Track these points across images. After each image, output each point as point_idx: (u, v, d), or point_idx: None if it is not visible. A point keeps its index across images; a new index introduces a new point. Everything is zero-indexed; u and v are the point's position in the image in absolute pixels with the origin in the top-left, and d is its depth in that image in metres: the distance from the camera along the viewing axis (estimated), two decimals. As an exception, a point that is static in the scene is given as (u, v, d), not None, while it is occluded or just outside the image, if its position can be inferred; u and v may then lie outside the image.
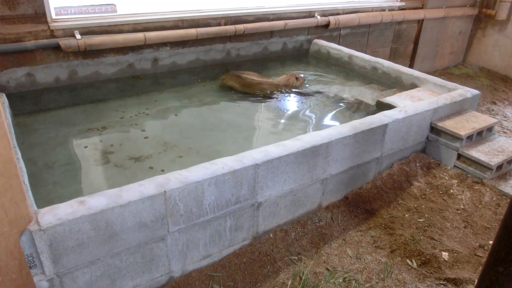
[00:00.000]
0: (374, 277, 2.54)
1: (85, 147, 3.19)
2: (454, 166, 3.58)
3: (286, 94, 4.41)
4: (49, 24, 3.81)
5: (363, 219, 3.05)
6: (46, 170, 2.88)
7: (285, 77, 4.56)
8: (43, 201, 2.27)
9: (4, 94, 3.49)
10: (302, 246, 2.77)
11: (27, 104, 3.74)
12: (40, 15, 3.76)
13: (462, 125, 3.59)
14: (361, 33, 6.16)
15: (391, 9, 6.37)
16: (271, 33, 5.25)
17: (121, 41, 4.12)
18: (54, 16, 3.93)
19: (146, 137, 3.36)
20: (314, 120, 3.88)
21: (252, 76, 4.49)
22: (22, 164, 2.41)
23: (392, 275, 2.55)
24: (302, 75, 4.70)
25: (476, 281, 2.46)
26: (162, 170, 2.94)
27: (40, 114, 3.63)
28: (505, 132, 5.15)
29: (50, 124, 3.46)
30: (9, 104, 3.40)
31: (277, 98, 4.33)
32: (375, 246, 2.80)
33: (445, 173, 3.53)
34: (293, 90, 4.50)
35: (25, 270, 1.85)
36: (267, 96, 4.32)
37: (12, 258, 1.75)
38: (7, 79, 3.75)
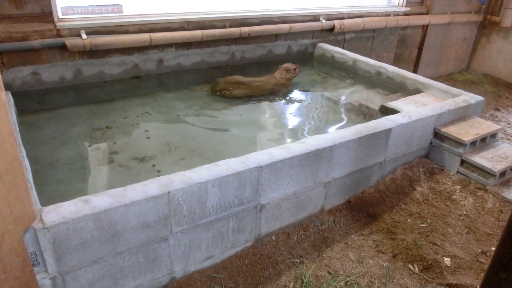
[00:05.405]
0: (376, 281, 2.54)
1: (89, 146, 3.20)
2: (457, 172, 3.58)
3: (289, 96, 4.42)
4: (56, 24, 3.83)
5: (365, 223, 3.05)
6: (50, 168, 2.89)
7: (278, 73, 4.57)
8: (46, 199, 2.28)
9: (9, 92, 3.51)
10: (304, 249, 2.77)
11: (32, 103, 3.75)
12: (47, 14, 3.78)
13: (466, 131, 3.59)
14: (365, 38, 6.17)
15: (396, 14, 6.37)
16: (276, 36, 5.27)
17: (127, 42, 4.14)
18: (60, 16, 3.95)
19: (148, 137, 3.37)
20: (318, 123, 3.88)
21: (249, 78, 4.50)
22: (26, 162, 2.42)
23: (394, 280, 2.55)
24: (292, 66, 4.62)
25: (478, 287, 2.45)
26: (158, 171, 2.94)
27: (45, 113, 3.64)
28: (508, 139, 5.14)
29: (55, 123, 3.47)
30: (14, 102, 3.41)
31: (281, 100, 4.34)
32: (377, 251, 2.80)
33: (448, 179, 3.53)
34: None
35: (28, 268, 1.86)
36: (270, 98, 4.33)
37: (16, 255, 1.76)
38: (12, 78, 3.77)
